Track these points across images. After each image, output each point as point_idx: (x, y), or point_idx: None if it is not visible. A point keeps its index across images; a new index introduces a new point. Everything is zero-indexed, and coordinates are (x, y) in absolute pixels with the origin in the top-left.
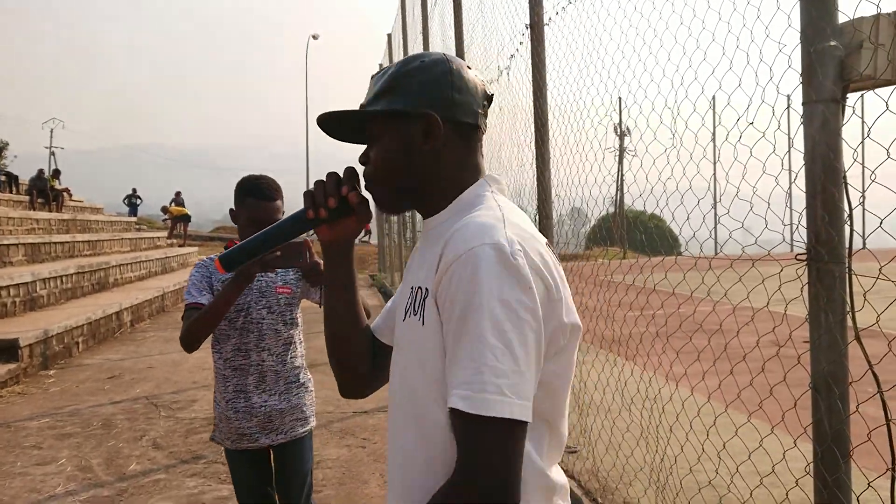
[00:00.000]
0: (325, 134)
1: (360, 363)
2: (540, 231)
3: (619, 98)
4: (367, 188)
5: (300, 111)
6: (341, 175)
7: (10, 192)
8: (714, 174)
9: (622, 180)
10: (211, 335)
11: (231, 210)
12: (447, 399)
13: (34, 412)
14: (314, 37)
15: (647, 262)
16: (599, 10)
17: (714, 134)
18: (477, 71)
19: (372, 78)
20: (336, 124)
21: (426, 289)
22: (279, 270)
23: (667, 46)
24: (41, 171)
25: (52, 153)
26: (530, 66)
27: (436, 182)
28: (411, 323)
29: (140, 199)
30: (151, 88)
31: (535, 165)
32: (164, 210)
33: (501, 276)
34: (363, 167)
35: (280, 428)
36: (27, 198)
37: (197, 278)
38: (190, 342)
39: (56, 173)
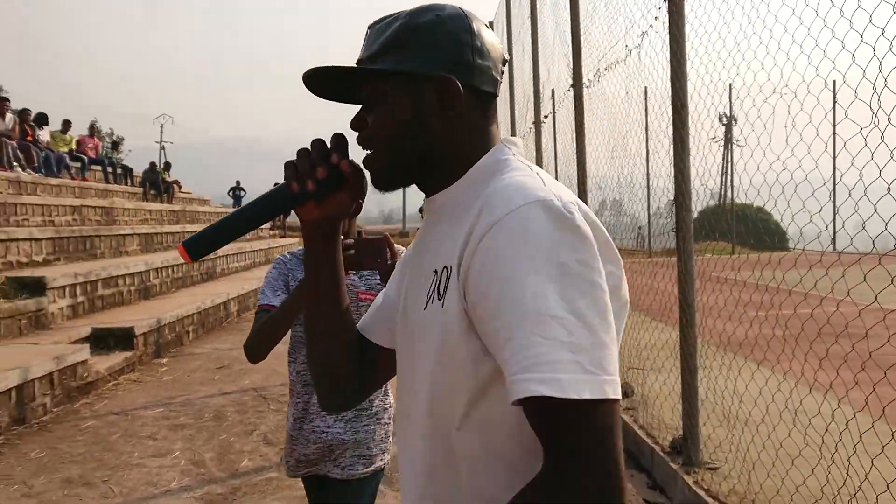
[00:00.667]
0: (309, 92)
1: (348, 369)
2: (679, 227)
3: (730, 85)
4: (362, 159)
5: None
6: (327, 143)
7: (126, 184)
8: (834, 162)
9: (732, 170)
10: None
11: None
12: (513, 388)
13: (149, 401)
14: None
15: (757, 259)
16: None
17: (834, 118)
18: (494, 33)
19: (371, 27)
20: (324, 80)
21: (450, 267)
22: (365, 274)
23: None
24: (153, 164)
25: (163, 147)
26: (667, 43)
27: (446, 154)
28: (433, 310)
29: (244, 191)
30: (249, 84)
31: (671, 152)
32: None
33: (557, 236)
34: (356, 133)
35: (339, 461)
36: (140, 190)
37: (273, 276)
38: (255, 350)
39: (167, 166)
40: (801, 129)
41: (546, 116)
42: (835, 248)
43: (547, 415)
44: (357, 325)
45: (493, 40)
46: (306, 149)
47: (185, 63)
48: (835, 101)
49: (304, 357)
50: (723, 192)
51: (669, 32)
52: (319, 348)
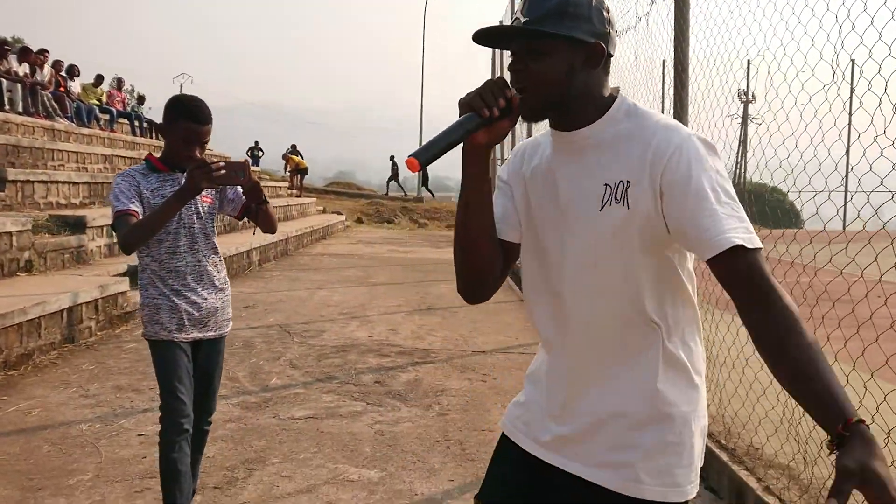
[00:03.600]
0: (475, 42)
1: (495, 261)
2: None
3: (748, 61)
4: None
5: (415, 75)
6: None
7: (152, 138)
8: (849, 145)
9: (745, 149)
10: None
11: (159, 125)
12: (716, 242)
13: None
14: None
15: (769, 234)
16: None
17: (851, 99)
18: None
19: None
20: (490, 32)
21: (627, 181)
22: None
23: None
24: None
25: None
26: (672, 10)
27: (583, 99)
28: (613, 210)
29: (262, 151)
30: (272, 50)
31: (672, 113)
32: (284, 158)
33: (714, 156)
34: (514, 74)
35: (213, 325)
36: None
37: (125, 186)
38: (132, 245)
39: None
40: (818, 108)
41: None
42: (844, 228)
43: (742, 260)
44: None
45: (614, 11)
46: (490, 82)
47: (206, 27)
48: (852, 88)
49: (166, 249)
50: (738, 172)
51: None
52: (481, 250)
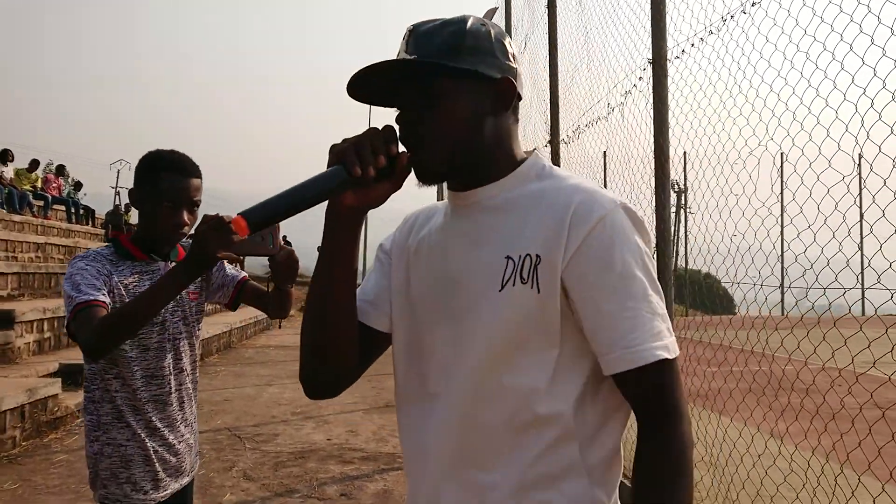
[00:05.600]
0: (350, 97)
1: (350, 352)
2: (660, 274)
3: (685, 153)
4: (410, 153)
5: None
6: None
7: (88, 224)
8: (781, 231)
9: (680, 237)
10: (91, 362)
11: (131, 192)
12: (635, 352)
13: None
14: None
15: (709, 320)
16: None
17: (782, 190)
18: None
19: (413, 30)
20: (368, 82)
21: (537, 255)
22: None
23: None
24: (117, 207)
25: (118, 192)
26: (651, 102)
27: (491, 152)
28: (516, 292)
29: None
30: (212, 134)
31: (653, 202)
32: None
33: (642, 235)
34: (405, 128)
35: (188, 468)
36: (102, 231)
37: (91, 273)
38: (106, 343)
39: (128, 208)
40: (750, 197)
41: None
42: (782, 313)
43: (657, 375)
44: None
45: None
46: (366, 136)
47: (145, 111)
48: (782, 173)
49: (142, 372)
50: (676, 258)
51: (654, 92)
52: (331, 334)
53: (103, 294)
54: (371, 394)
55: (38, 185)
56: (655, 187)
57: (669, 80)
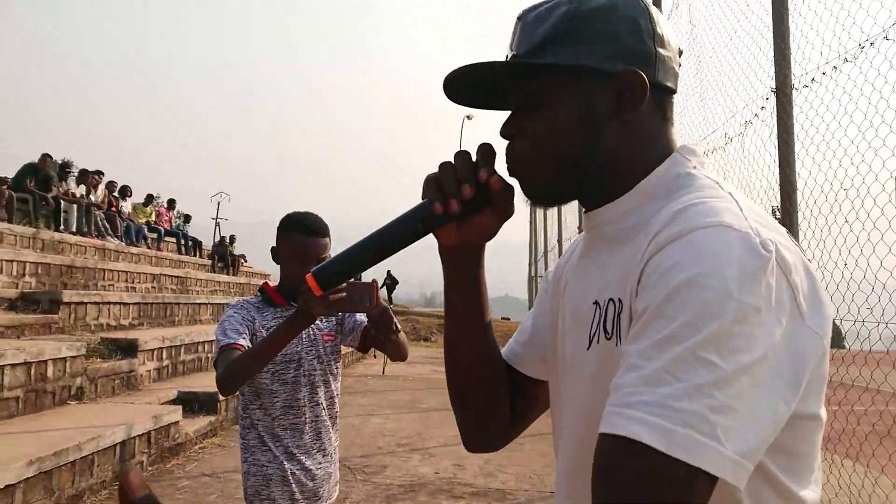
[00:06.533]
0: (449, 99)
1: (496, 403)
2: None
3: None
4: (512, 171)
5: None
6: (473, 154)
7: (196, 255)
8: None
9: None
10: (243, 393)
11: (273, 248)
12: (613, 415)
13: (236, 464)
14: (468, 117)
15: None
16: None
17: None
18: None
19: (521, 18)
20: (468, 84)
21: (619, 300)
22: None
23: None
24: (223, 238)
25: (218, 224)
26: (775, 131)
27: (619, 162)
28: (603, 349)
29: (396, 280)
30: (305, 167)
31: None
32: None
33: (743, 268)
34: (508, 141)
35: (325, 495)
36: (209, 262)
37: (237, 319)
38: (231, 382)
39: (232, 240)
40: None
41: None
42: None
43: (624, 456)
44: (504, 355)
45: (669, 26)
46: (450, 162)
47: (238, 150)
48: None
49: (281, 403)
50: None
51: (779, 122)
52: (465, 383)
53: (243, 338)
54: None
55: (153, 218)
56: (781, 219)
57: (798, 108)
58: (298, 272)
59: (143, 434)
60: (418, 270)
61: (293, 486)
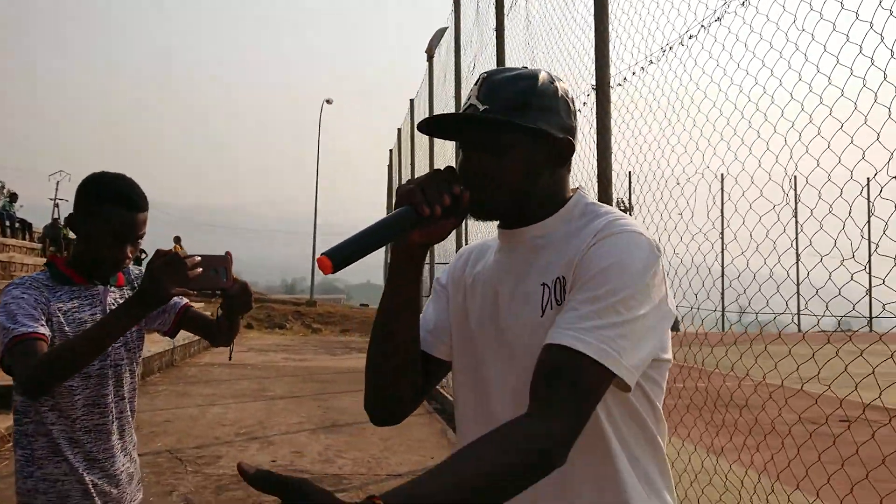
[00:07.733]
0: (418, 130)
1: (414, 379)
2: None
3: (629, 173)
4: (469, 184)
5: (309, 175)
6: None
7: (24, 238)
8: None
9: None
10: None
11: (71, 216)
12: (557, 334)
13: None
14: (328, 101)
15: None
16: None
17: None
18: None
19: (487, 77)
20: (440, 123)
21: (563, 277)
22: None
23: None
24: (56, 221)
25: (57, 205)
26: (594, 127)
27: (543, 199)
28: (554, 315)
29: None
30: (161, 150)
31: None
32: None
33: (645, 259)
34: (466, 167)
35: (129, 497)
36: (40, 245)
37: (29, 302)
38: (47, 382)
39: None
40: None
41: None
42: (722, 329)
43: (564, 361)
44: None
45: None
46: (433, 176)
47: (84, 122)
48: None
49: (83, 401)
50: None
51: (597, 118)
52: (396, 363)
53: (42, 325)
54: (317, 413)
55: None
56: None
57: (612, 105)
58: (114, 251)
59: None
60: (277, 257)
61: (95, 498)
